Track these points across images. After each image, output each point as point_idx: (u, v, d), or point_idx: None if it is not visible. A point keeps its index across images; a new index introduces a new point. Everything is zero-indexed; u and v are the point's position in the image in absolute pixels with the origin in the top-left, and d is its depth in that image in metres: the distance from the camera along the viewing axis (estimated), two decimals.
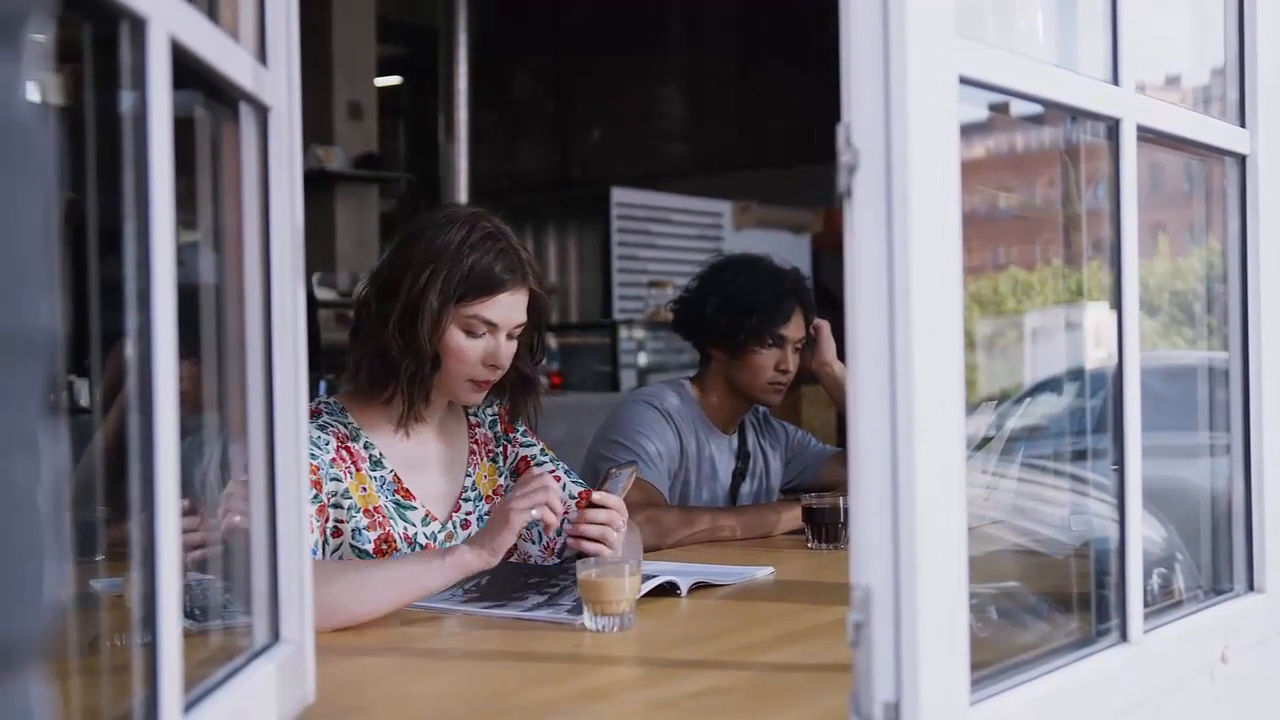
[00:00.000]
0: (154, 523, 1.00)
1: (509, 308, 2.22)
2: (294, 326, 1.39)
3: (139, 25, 0.99)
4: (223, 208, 1.34)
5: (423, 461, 2.30)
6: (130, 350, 1.00)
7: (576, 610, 1.92)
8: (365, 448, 2.23)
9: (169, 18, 1.02)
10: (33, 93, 0.54)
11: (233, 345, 1.35)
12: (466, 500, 2.34)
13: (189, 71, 1.11)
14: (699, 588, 2.19)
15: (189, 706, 1.09)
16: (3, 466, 0.49)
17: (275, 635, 1.37)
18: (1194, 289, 2.12)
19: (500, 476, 2.41)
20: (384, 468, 2.23)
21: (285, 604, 1.38)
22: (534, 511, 2.00)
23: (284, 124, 1.37)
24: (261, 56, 1.35)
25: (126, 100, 1.01)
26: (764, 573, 2.36)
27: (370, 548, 2.16)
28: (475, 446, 2.39)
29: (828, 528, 2.65)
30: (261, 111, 1.34)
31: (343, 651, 1.76)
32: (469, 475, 2.36)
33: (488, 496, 2.37)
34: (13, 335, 0.50)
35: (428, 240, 2.19)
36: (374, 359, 2.20)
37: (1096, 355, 1.97)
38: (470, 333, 2.20)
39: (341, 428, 2.22)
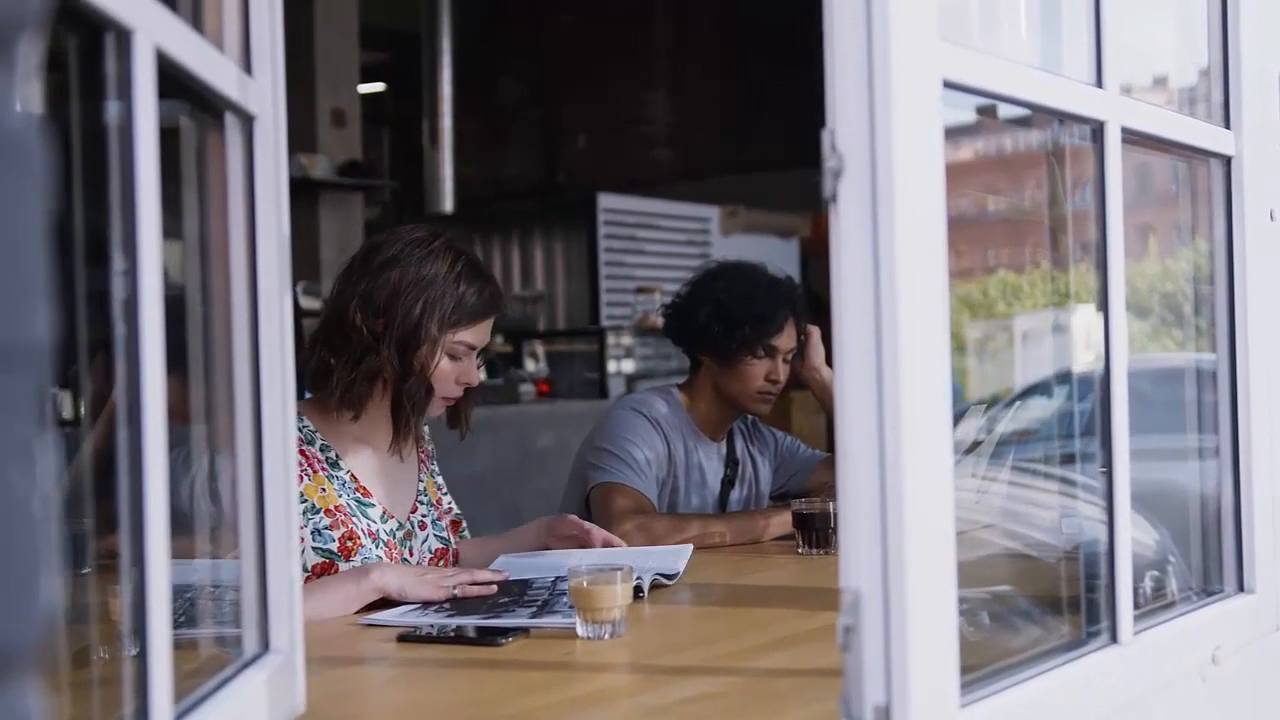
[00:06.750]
0: (143, 534, 1.00)
1: (488, 331, 2.37)
2: (281, 337, 1.38)
3: (124, 36, 0.99)
4: (207, 218, 1.34)
5: (379, 467, 2.38)
6: (118, 361, 0.99)
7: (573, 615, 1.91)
8: (321, 450, 2.30)
9: (155, 28, 1.02)
10: (27, 104, 0.54)
11: (219, 356, 1.35)
12: (422, 503, 2.45)
13: (173, 81, 1.11)
14: (657, 587, 2.22)
15: (179, 717, 1.09)
16: (2, 476, 0.50)
17: (265, 645, 1.37)
18: (1183, 290, 2.13)
19: (439, 490, 2.53)
20: (341, 469, 2.31)
21: (275, 614, 1.38)
22: (456, 590, 2.13)
23: (269, 133, 1.37)
24: (246, 66, 1.34)
25: (112, 110, 1.00)
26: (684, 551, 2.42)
27: (335, 546, 2.24)
28: (424, 457, 2.51)
29: (818, 533, 2.65)
30: (247, 121, 1.34)
31: (333, 662, 1.75)
32: (420, 481, 2.47)
33: (435, 503, 2.48)
34: (12, 346, 0.50)
35: (415, 268, 2.27)
36: (366, 380, 2.28)
37: (1086, 358, 1.98)
38: (453, 356, 2.31)
39: (297, 432, 2.24)
